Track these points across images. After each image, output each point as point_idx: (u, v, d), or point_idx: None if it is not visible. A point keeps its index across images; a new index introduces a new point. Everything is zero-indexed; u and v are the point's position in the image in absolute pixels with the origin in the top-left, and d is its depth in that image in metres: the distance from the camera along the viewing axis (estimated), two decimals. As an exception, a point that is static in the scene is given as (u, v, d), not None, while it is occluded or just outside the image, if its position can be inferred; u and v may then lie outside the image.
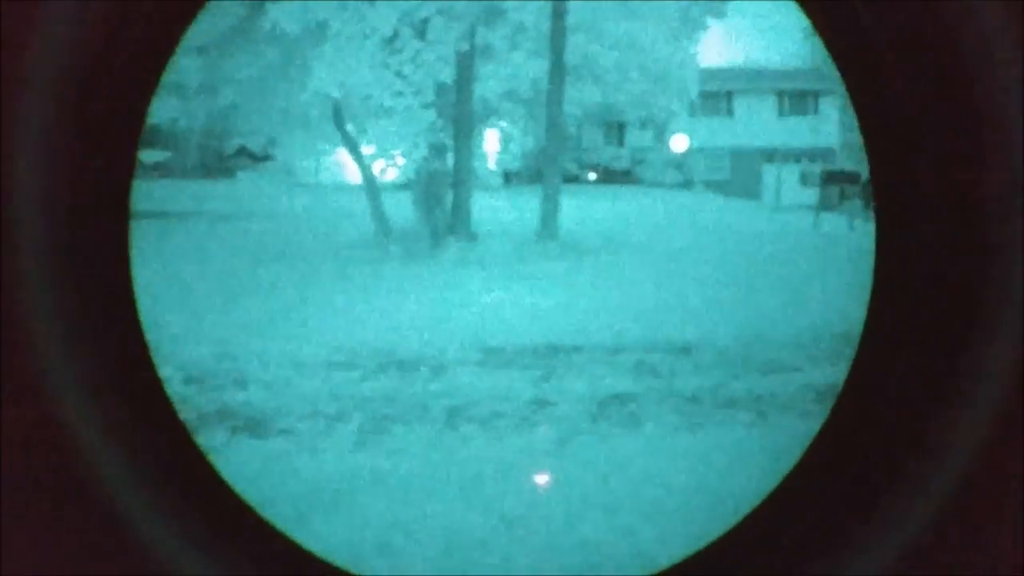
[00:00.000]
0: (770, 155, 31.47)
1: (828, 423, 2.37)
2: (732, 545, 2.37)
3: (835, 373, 8.78)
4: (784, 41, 30.42)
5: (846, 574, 1.97)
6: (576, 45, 18.88)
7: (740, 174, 31.08)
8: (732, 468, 6.11)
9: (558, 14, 17.22)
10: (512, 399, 7.97)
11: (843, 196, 23.90)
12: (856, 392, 2.23)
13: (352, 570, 2.50)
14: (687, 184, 29.58)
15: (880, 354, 2.13)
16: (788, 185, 28.04)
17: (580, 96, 22.35)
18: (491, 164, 24.88)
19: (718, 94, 31.47)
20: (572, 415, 7.61)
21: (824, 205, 24.86)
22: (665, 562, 2.68)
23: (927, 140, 1.88)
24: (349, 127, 17.42)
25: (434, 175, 16.61)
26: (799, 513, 2.26)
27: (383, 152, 17.37)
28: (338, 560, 2.48)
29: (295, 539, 2.27)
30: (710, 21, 22.91)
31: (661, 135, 29.53)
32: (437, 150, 16.66)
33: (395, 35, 15.93)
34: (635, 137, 29.73)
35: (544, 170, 18.17)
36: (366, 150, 17.47)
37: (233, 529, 2.18)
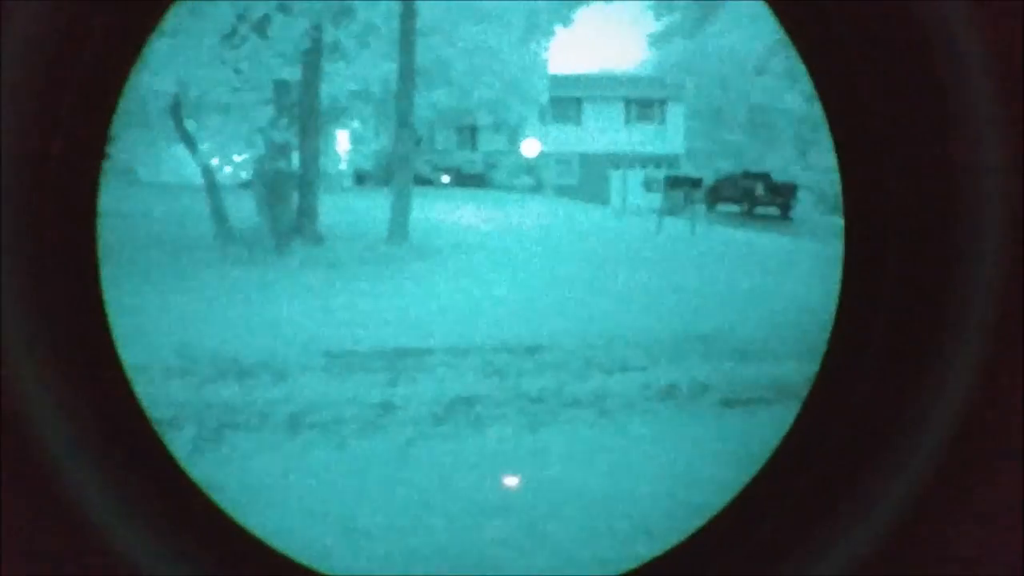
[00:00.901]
0: (617, 161, 32.31)
1: (796, 424, 2.35)
2: (698, 546, 2.33)
3: (676, 372, 9.06)
4: (631, 49, 31.33)
5: (813, 574, 1.96)
6: (428, 47, 18.81)
7: (589, 179, 31.72)
8: (573, 466, 6.17)
9: (407, 15, 17.10)
10: (357, 404, 7.81)
11: (687, 200, 24.75)
12: (823, 394, 2.19)
13: (319, 569, 2.45)
14: (538, 188, 29.96)
15: (847, 355, 2.12)
16: (634, 190, 28.83)
17: (432, 98, 22.28)
18: (342, 164, 24.47)
19: (567, 100, 32.02)
20: (418, 418, 7.52)
21: (669, 210, 25.69)
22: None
23: (897, 146, 1.88)
24: (188, 124, 16.75)
25: (278, 175, 16.15)
26: (766, 514, 2.23)
27: (221, 150, 16.81)
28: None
29: (263, 539, 2.26)
30: (557, 28, 23.29)
31: (513, 139, 29.81)
32: (279, 149, 16.22)
33: (233, 31, 15.46)
34: (488, 141, 29.89)
35: (394, 172, 17.99)
36: (205, 148, 16.83)
37: (201, 530, 2.15)
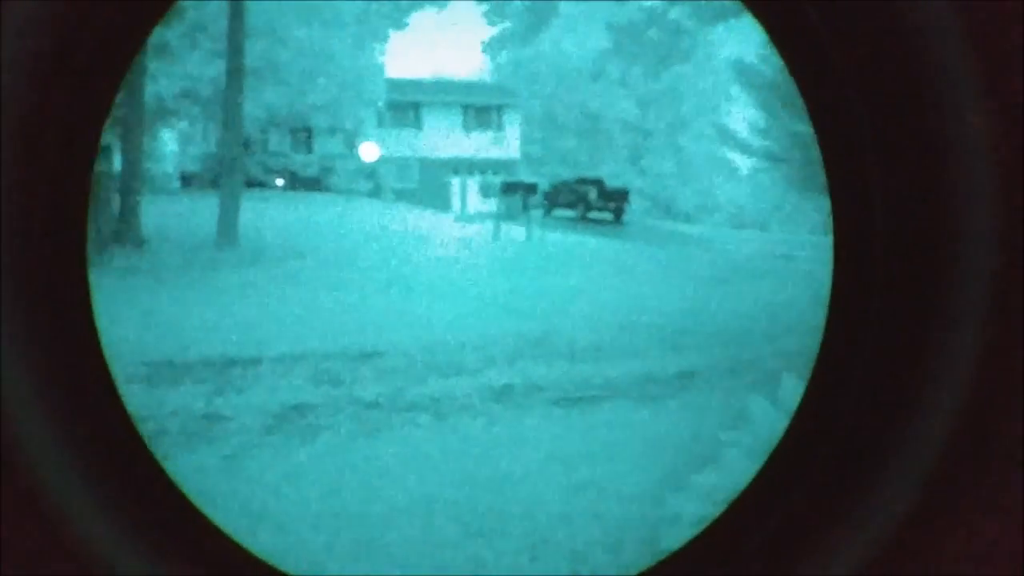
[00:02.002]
0: (457, 166, 32.44)
1: (791, 427, 2.31)
2: (698, 550, 2.29)
3: (511, 373, 9.14)
4: (468, 56, 31.54)
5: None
6: (259, 48, 18.28)
7: (429, 184, 31.71)
8: (407, 471, 6.11)
9: (235, 14, 16.55)
10: (181, 415, 7.46)
11: (525, 206, 25.11)
12: (819, 397, 2.13)
13: (290, 571, 2.50)
14: (376, 193, 29.67)
15: (841, 358, 2.08)
16: (473, 196, 29.01)
17: (264, 99, 21.67)
18: (169, 166, 23.42)
19: (406, 105, 31.90)
20: (246, 429, 7.26)
21: (507, 215, 25.98)
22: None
23: (882, 147, 1.86)
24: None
25: (97, 176, 15.30)
26: (764, 518, 2.18)
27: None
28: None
29: (239, 541, 2.28)
30: (391, 32, 23.16)
31: (350, 143, 29.40)
32: (100, 149, 15.36)
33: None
34: (324, 144, 29.35)
35: (222, 174, 17.36)
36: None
37: (179, 530, 2.14)
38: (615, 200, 31.27)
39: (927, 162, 1.77)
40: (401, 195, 29.91)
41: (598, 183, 32.14)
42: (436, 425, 7.28)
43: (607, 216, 30.87)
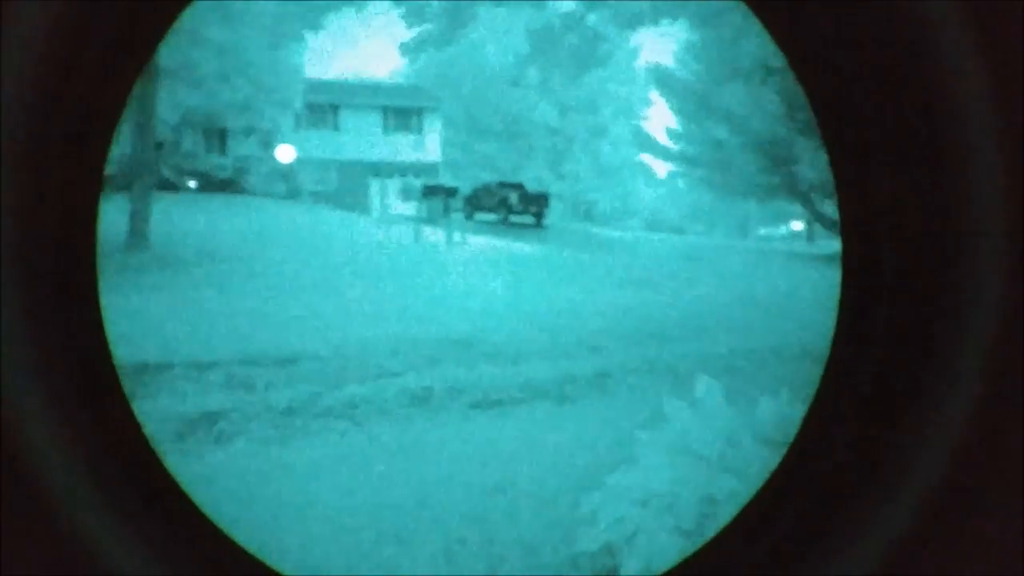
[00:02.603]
0: (377, 169, 32.19)
1: (799, 436, 2.27)
2: (708, 554, 2.32)
3: (431, 377, 9.08)
4: (387, 58, 31.32)
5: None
6: (172, 47, 17.81)
7: (348, 187, 31.39)
8: (322, 478, 6.00)
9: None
10: (86, 424, 7.20)
11: (446, 210, 25.06)
12: (826, 403, 2.15)
13: (283, 571, 2.52)
14: (293, 195, 29.25)
15: (848, 365, 2.06)
16: (393, 198, 28.82)
17: (177, 100, 21.14)
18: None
19: (324, 107, 31.55)
20: (157, 435, 7.05)
21: (428, 219, 25.87)
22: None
23: (889, 148, 1.82)
24: None
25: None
26: (773, 523, 2.15)
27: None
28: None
29: (239, 541, 2.30)
30: (308, 33, 22.85)
31: (266, 145, 28.91)
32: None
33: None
34: (239, 145, 28.79)
35: (132, 176, 16.87)
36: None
37: (182, 530, 2.15)
38: (536, 204, 31.45)
39: (934, 163, 1.75)
40: (319, 197, 29.53)
41: (519, 187, 32.28)
42: (352, 430, 7.18)
43: (528, 220, 31.02)
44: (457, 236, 22.00)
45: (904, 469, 1.79)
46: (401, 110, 34.03)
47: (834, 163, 2.11)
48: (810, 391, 6.03)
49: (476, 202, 31.50)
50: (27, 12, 1.70)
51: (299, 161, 29.95)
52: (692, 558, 2.46)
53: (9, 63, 1.70)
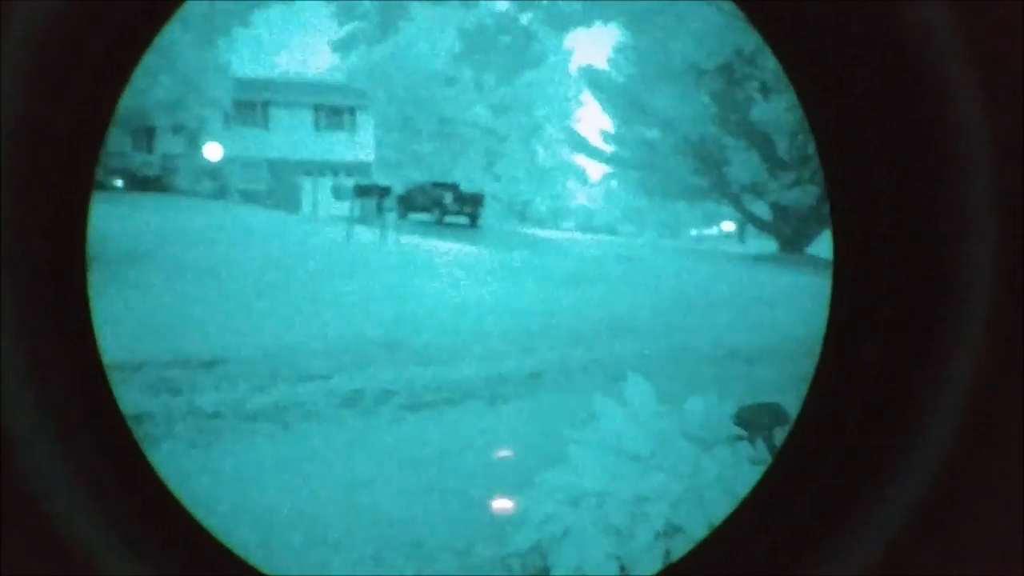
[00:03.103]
0: (308, 168, 31.78)
1: (792, 434, 2.22)
2: (702, 556, 2.27)
3: (361, 379, 8.97)
4: (318, 56, 30.95)
5: None
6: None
7: (279, 186, 30.92)
8: (248, 481, 5.87)
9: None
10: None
11: (379, 209, 24.83)
12: (820, 402, 2.11)
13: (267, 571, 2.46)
14: (221, 193, 28.69)
15: (842, 364, 2.03)
16: (325, 198, 28.48)
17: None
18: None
19: (254, 104, 31.01)
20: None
21: (361, 218, 25.60)
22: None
23: (882, 151, 1.79)
24: None
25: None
26: (768, 523, 2.10)
27: None
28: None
29: (226, 543, 2.28)
30: (236, 31, 22.41)
31: (194, 142, 28.30)
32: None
33: None
34: (166, 143, 28.13)
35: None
36: None
37: (168, 531, 2.15)
38: (470, 204, 31.41)
39: (928, 165, 1.74)
40: (249, 196, 29.02)
41: (453, 187, 32.20)
42: (280, 433, 7.04)
43: (462, 220, 30.95)
44: (390, 236, 21.81)
45: (897, 475, 1.80)
46: (333, 108, 33.64)
47: (825, 167, 2.11)
48: (739, 389, 6.10)
49: (410, 202, 31.33)
50: (21, 13, 1.70)
51: (227, 159, 29.39)
52: (678, 563, 2.47)
53: (8, 64, 1.70)
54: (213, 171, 28.71)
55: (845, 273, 2.05)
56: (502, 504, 5.02)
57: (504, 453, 6.54)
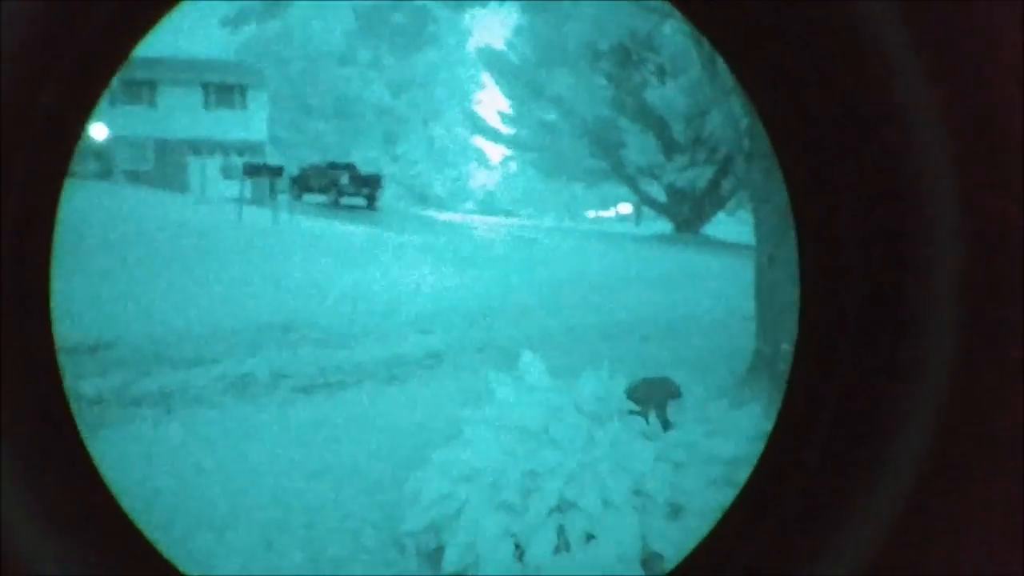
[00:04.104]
0: (198, 147, 30.78)
1: (772, 440, 2.15)
2: (694, 560, 2.23)
3: (253, 362, 8.73)
4: (207, 33, 29.94)
5: None
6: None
7: (166, 165, 29.88)
8: (131, 468, 5.63)
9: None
10: None
11: (273, 190, 24.25)
12: (798, 402, 2.07)
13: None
14: (107, 174, 27.54)
15: (818, 362, 1.99)
16: (214, 178, 27.63)
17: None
18: None
19: (140, 83, 29.83)
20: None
21: (253, 199, 24.96)
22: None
23: (839, 152, 1.77)
24: None
25: None
26: (756, 525, 2.08)
27: None
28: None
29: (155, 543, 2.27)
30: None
31: (76, 121, 27.07)
32: None
33: None
34: (45, 122, 26.81)
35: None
36: None
37: (105, 531, 2.12)
38: (368, 186, 31.00)
39: (885, 167, 1.73)
40: (135, 177, 27.96)
41: (350, 168, 31.71)
42: (165, 419, 6.78)
43: (360, 202, 30.54)
44: (284, 217, 21.34)
45: (873, 482, 1.81)
46: (223, 86, 32.64)
47: (786, 171, 2.11)
48: (633, 365, 6.15)
49: (305, 183, 30.72)
50: (5, 9, 1.68)
51: (113, 139, 28.23)
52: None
53: None
54: (98, 151, 27.53)
55: (813, 277, 2.06)
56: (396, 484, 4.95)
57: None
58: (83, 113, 2.08)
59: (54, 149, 1.98)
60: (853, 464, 1.85)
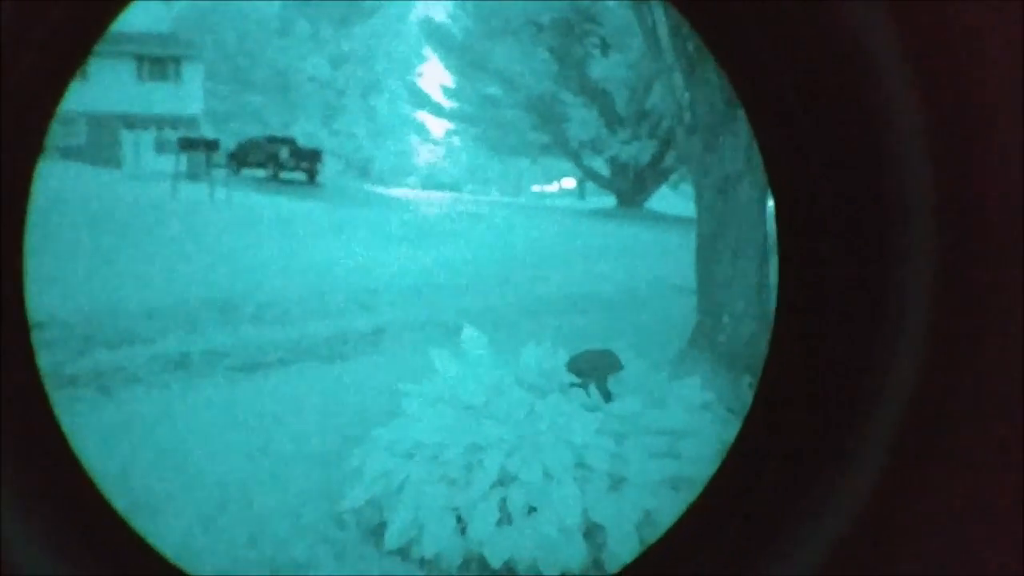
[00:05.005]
0: (131, 121, 29.99)
1: (742, 432, 2.15)
2: (658, 552, 2.22)
3: (189, 341, 8.57)
4: (141, 5, 29.08)
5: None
6: None
7: (99, 140, 29.07)
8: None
9: None
10: None
11: (209, 165, 23.77)
12: (770, 392, 2.07)
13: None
14: (36, 149, 26.75)
15: (791, 352, 1.98)
16: (148, 153, 26.97)
17: None
18: None
19: (69, 53, 28.89)
20: None
21: (189, 174, 24.44)
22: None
23: (822, 148, 1.77)
24: None
25: None
26: (724, 518, 2.06)
27: None
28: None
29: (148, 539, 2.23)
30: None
31: (2, 94, 26.17)
32: None
33: None
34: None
35: None
36: None
37: (93, 531, 2.11)
38: (308, 160, 30.57)
39: (866, 162, 1.74)
40: (66, 153, 27.15)
41: (290, 142, 31.21)
42: (99, 399, 6.62)
43: (300, 177, 30.12)
44: (221, 192, 20.93)
45: (841, 475, 1.80)
46: (157, 59, 31.79)
47: (769, 165, 2.13)
48: (574, 338, 6.15)
49: (243, 157, 30.17)
50: None
51: (42, 112, 27.29)
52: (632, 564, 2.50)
53: None
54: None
55: (791, 264, 2.06)
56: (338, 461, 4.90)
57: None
58: (59, 87, 2.05)
59: (30, 124, 1.94)
60: (821, 456, 1.85)
